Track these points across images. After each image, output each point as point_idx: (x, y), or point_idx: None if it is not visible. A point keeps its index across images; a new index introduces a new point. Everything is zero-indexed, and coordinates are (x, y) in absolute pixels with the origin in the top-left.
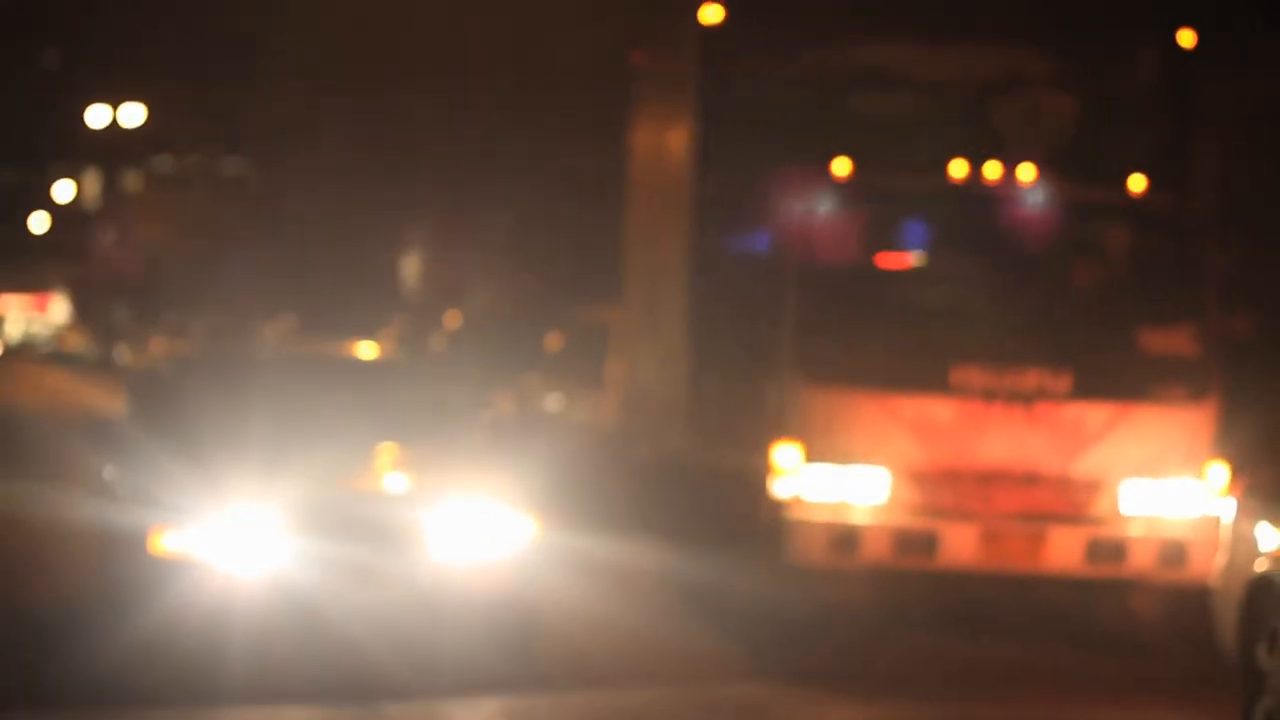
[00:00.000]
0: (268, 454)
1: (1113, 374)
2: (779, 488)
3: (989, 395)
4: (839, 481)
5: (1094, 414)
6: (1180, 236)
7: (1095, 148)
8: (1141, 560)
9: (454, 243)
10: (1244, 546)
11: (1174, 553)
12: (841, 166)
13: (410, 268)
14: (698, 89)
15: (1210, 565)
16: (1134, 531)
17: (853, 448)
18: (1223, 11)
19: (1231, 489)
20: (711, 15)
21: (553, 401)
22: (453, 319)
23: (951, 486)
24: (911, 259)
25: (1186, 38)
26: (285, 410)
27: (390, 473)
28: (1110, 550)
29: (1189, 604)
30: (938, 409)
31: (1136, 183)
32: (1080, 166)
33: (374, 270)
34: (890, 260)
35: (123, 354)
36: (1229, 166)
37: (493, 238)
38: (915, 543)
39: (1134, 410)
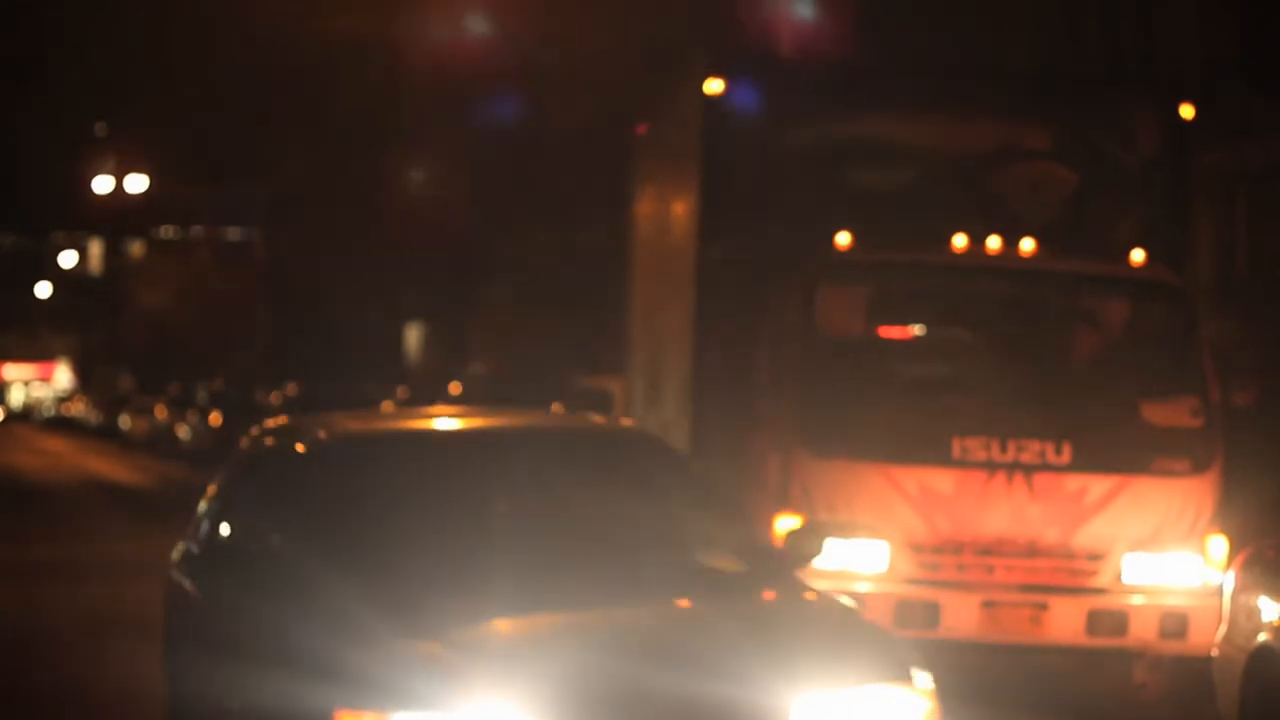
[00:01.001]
0: (514, 596)
1: (1114, 446)
2: None
3: (990, 467)
4: (840, 552)
5: (1095, 486)
6: (1181, 308)
7: (1095, 220)
8: (1143, 631)
9: (456, 312)
10: (1245, 617)
11: (1175, 624)
12: (843, 238)
13: (413, 337)
14: (700, 160)
15: (1212, 636)
16: (1135, 603)
17: (854, 519)
18: (1220, 84)
19: (1232, 560)
20: (714, 87)
21: None
22: (455, 389)
23: (953, 557)
24: (913, 331)
25: (1186, 110)
26: (532, 523)
27: (753, 633)
28: (1111, 621)
29: (1191, 675)
30: (939, 480)
31: (1137, 255)
32: (1080, 239)
33: (377, 339)
34: (891, 332)
35: (125, 421)
36: (1229, 238)
37: (495, 307)
38: (916, 613)
39: (1135, 482)
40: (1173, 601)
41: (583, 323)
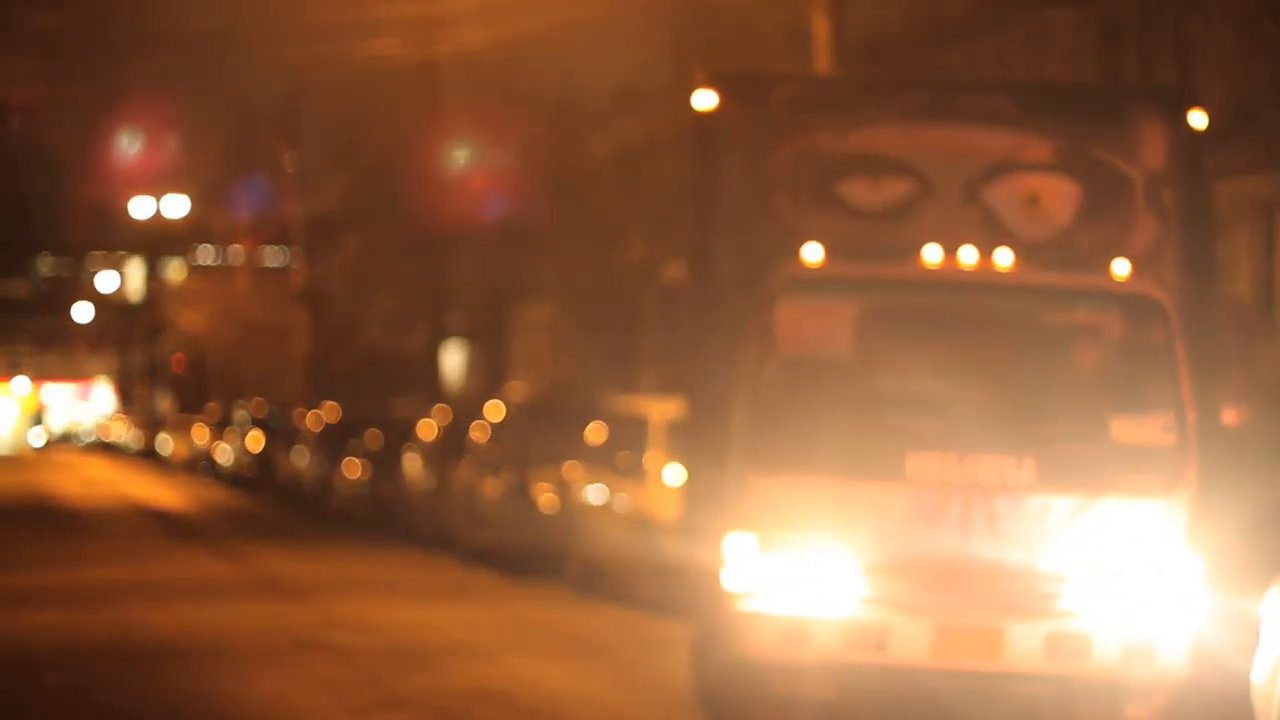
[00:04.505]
0: None
1: (1078, 464)
2: (729, 579)
3: (946, 485)
4: (791, 572)
5: (1057, 505)
6: (1159, 322)
7: (1098, 235)
8: (1106, 657)
9: (497, 332)
10: None
11: (1141, 649)
12: (810, 252)
13: (453, 357)
14: (693, 175)
15: (1180, 662)
16: (1097, 627)
17: (806, 538)
18: (1262, 111)
19: (1275, 583)
20: (703, 101)
21: (594, 492)
22: (494, 409)
23: (905, 578)
24: (875, 347)
25: (1196, 119)
26: None
27: None
28: (1072, 647)
29: (1159, 702)
30: (891, 499)
31: (1120, 268)
32: (1081, 254)
33: (416, 359)
34: (852, 348)
35: (165, 444)
36: (1268, 262)
37: (536, 328)
38: (866, 636)
39: (1100, 502)
40: (1139, 626)
41: (623, 344)
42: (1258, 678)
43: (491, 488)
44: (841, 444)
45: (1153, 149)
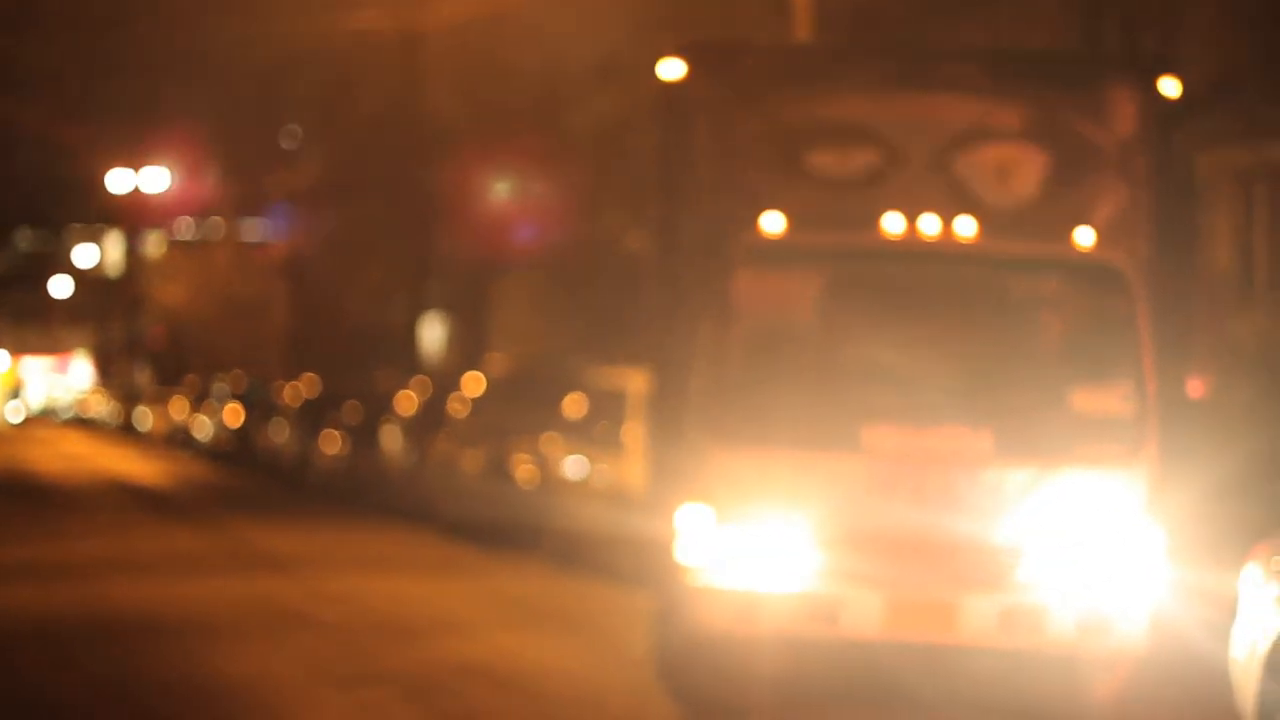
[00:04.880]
0: None
1: (1035, 435)
2: (684, 552)
3: (901, 457)
4: (743, 545)
5: (1013, 476)
6: (1121, 292)
7: (1067, 203)
8: (1061, 630)
9: (476, 304)
10: (1266, 618)
11: (1097, 622)
12: (769, 221)
13: (432, 329)
14: (659, 145)
15: (1138, 634)
16: (1053, 600)
17: (761, 511)
18: (1244, 84)
19: (1253, 558)
20: (668, 70)
21: (573, 465)
22: (473, 381)
23: (858, 550)
24: (837, 317)
25: (1168, 86)
26: None
27: None
28: (1026, 620)
29: (1120, 674)
30: (845, 470)
31: (1084, 236)
32: (1050, 222)
33: (396, 332)
34: (810, 318)
35: (145, 419)
36: (1248, 235)
37: (515, 299)
38: (820, 610)
39: (1056, 473)
40: (1095, 598)
41: (603, 317)
42: (1238, 653)
43: (470, 461)
44: (798, 416)
45: (1124, 117)
